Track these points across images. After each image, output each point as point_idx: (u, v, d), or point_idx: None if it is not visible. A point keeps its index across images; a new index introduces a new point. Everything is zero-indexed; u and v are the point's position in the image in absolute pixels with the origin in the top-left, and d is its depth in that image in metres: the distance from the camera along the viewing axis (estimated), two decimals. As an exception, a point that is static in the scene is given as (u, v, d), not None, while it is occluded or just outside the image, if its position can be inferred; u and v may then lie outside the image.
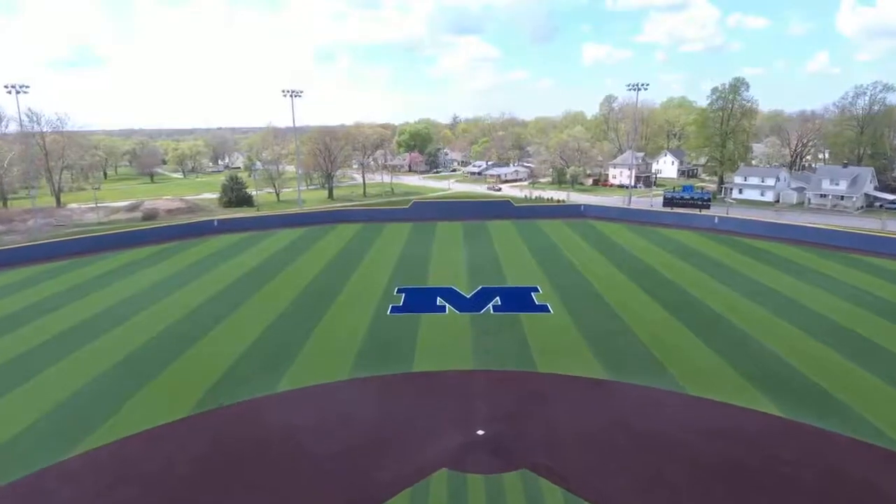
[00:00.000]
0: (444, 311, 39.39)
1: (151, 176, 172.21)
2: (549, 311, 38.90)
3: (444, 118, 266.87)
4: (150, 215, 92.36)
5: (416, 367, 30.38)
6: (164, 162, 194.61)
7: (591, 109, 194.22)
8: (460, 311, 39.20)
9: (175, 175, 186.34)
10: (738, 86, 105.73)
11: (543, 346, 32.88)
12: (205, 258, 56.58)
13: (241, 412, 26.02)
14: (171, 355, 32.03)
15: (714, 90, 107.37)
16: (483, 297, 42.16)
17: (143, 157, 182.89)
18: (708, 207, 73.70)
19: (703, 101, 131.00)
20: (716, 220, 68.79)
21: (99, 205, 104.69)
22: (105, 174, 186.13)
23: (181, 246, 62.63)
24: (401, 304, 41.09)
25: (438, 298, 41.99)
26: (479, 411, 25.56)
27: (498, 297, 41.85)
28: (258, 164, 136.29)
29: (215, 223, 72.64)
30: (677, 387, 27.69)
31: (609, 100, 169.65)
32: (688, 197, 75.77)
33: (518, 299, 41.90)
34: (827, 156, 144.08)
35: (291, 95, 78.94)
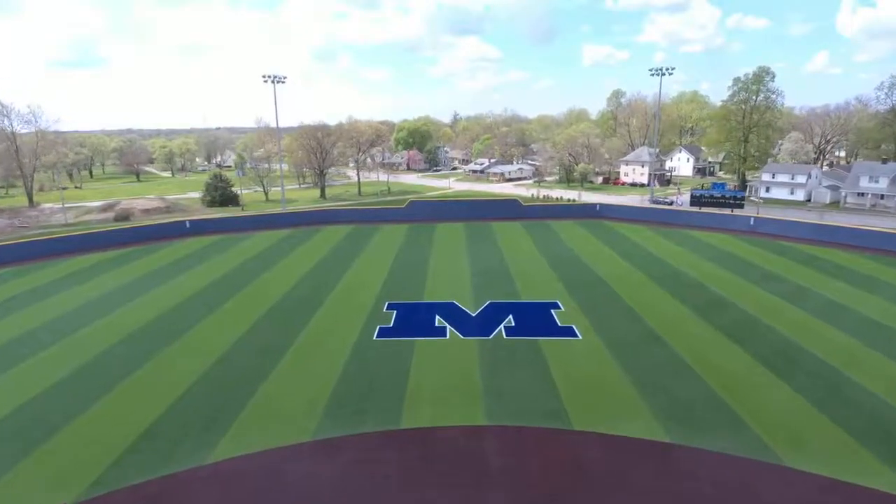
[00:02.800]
0: (445, 334, 31.54)
1: (137, 174, 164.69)
2: (576, 336, 30.99)
3: (444, 119, 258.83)
4: (123, 216, 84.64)
5: (406, 422, 22.46)
6: (152, 161, 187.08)
7: (594, 109, 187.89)
8: (464, 334, 31.35)
9: (163, 174, 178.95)
10: (762, 76, 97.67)
11: (574, 387, 24.95)
12: (163, 267, 48.46)
13: (153, 496, 18.14)
14: (80, 406, 23.96)
15: (736, 80, 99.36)
16: (492, 315, 34.32)
17: (128, 154, 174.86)
18: (741, 207, 65.71)
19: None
20: (752, 221, 60.72)
21: (73, 205, 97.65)
22: (91, 173, 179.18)
23: (141, 251, 54.56)
24: (391, 324, 33.29)
25: (437, 317, 34.17)
26: (495, 500, 17.68)
27: (510, 316, 33.99)
28: (248, 161, 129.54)
29: (187, 224, 64.68)
30: (765, 452, 19.84)
31: (617, 94, 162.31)
32: (718, 195, 67.52)
33: (535, 319, 34.02)
34: (844, 153, 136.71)
35: (273, 81, 70.89)
